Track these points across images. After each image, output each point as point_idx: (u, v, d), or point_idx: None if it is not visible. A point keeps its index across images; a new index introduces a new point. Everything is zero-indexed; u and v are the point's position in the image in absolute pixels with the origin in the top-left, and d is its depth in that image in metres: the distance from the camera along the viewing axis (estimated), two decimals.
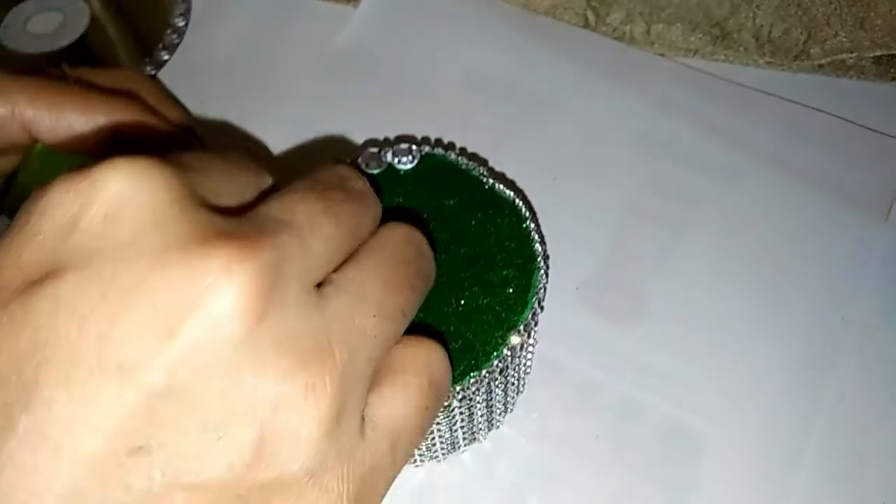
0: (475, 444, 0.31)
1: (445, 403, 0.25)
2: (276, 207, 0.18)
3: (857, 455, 0.31)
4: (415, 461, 0.30)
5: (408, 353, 0.20)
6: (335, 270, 0.19)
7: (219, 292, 0.15)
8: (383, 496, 0.19)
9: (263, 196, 0.19)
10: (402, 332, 0.21)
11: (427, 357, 0.21)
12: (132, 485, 0.15)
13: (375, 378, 0.19)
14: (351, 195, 0.20)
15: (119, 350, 0.15)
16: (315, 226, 0.18)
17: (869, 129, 0.39)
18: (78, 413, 0.15)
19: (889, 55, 0.41)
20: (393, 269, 0.20)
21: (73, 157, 0.28)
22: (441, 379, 0.21)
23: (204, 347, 0.15)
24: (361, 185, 0.21)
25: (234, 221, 0.17)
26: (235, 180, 0.19)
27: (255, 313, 0.16)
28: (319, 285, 0.19)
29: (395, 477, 0.20)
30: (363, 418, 0.18)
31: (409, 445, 0.20)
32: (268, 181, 0.20)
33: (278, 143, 0.39)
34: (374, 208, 0.21)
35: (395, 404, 0.19)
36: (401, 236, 0.21)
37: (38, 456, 0.15)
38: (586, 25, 0.43)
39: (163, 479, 0.15)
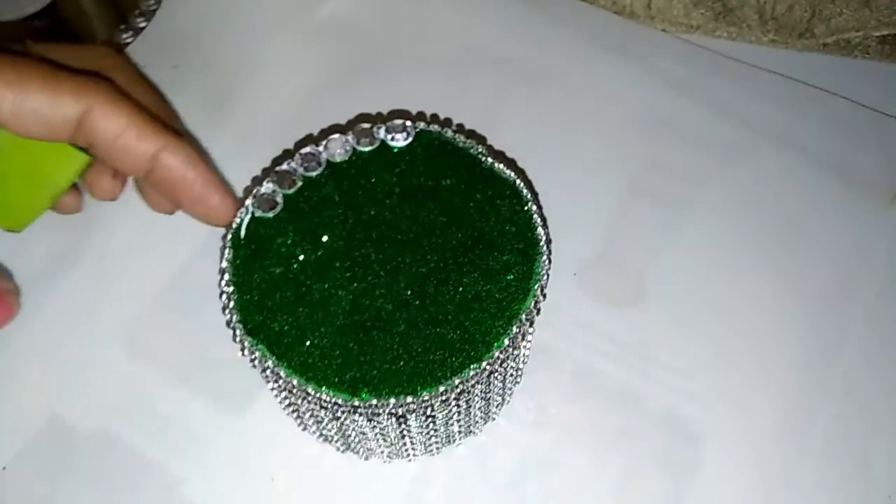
0: (471, 437, 0.30)
1: (443, 399, 0.24)
2: None
3: (863, 446, 0.30)
4: (408, 455, 0.29)
5: None
6: None
7: None
8: None
9: None
10: None
11: None
12: None
13: None
14: None
15: None
16: None
17: (874, 109, 0.38)
18: None
19: (894, 35, 0.40)
20: None
21: (37, 144, 0.26)
22: None
23: None
24: None
25: None
26: None
27: None
28: None
29: None
30: None
31: None
32: None
33: (260, 117, 0.37)
34: None
35: None
36: None
37: None
38: None
39: None
